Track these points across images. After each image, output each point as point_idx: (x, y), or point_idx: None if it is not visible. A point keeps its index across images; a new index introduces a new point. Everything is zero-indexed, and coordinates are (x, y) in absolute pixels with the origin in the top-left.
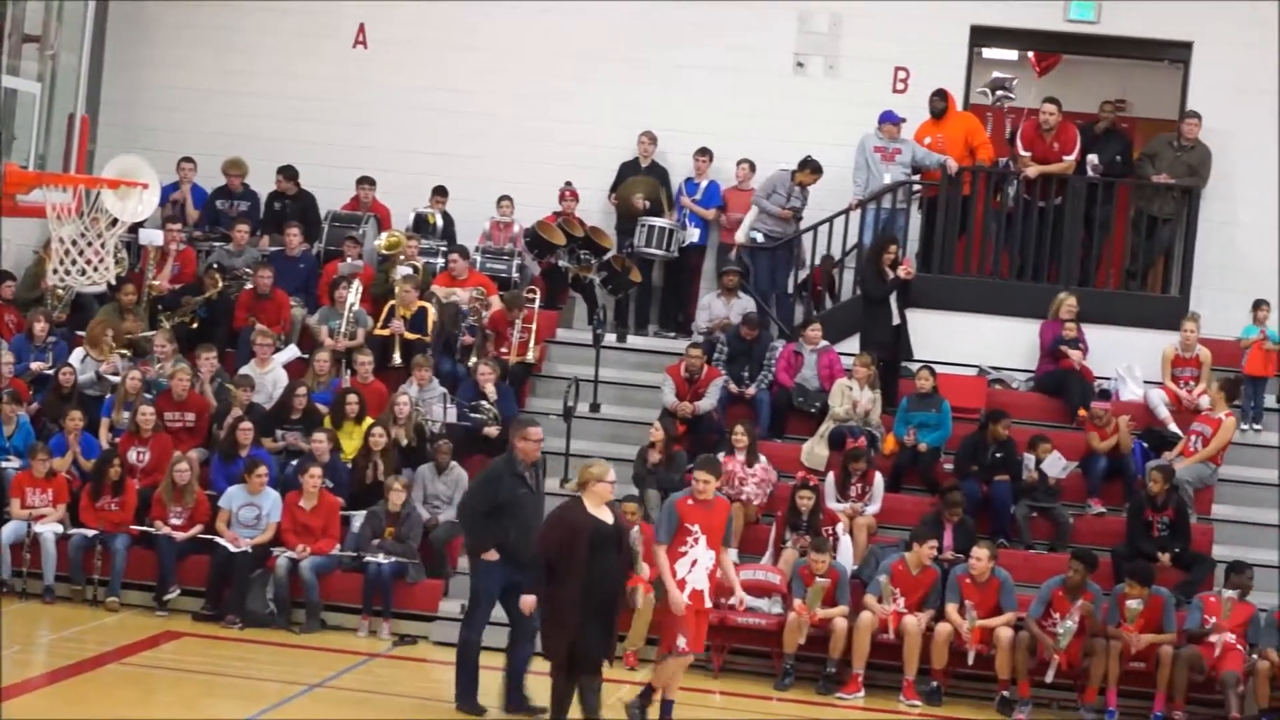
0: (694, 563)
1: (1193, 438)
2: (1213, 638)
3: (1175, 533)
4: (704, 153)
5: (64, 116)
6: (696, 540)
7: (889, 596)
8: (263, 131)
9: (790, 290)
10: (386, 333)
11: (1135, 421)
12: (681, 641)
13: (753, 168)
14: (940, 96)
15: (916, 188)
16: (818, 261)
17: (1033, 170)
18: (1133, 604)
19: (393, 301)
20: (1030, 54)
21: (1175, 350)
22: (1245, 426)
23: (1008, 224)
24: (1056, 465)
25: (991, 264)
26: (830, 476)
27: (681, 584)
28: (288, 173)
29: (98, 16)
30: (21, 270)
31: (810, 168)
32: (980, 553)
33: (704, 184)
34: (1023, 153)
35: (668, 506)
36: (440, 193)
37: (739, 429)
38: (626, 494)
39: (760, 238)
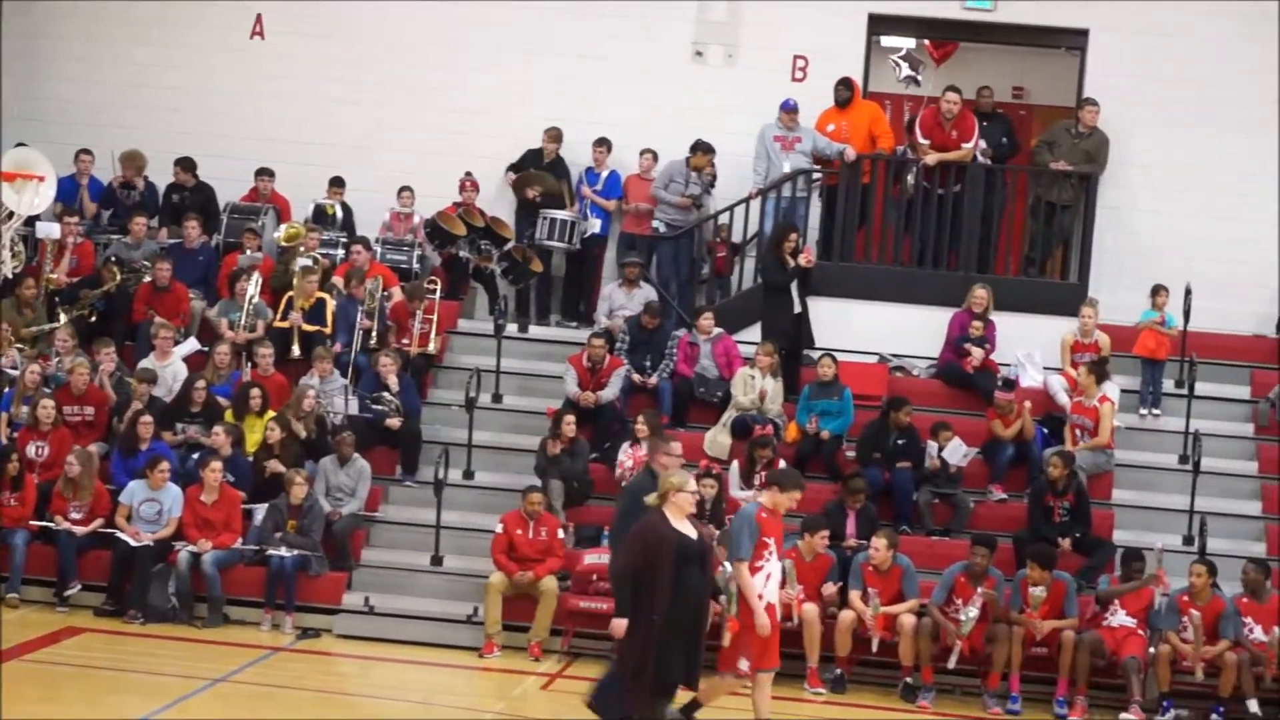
0: (768, 576)
1: (1077, 430)
2: (1112, 621)
3: (1076, 518)
4: (602, 143)
5: None
6: (772, 554)
7: (792, 582)
8: (160, 123)
9: (696, 279)
10: (286, 325)
11: (1035, 407)
12: (744, 664)
13: (655, 157)
14: (845, 85)
15: (817, 176)
16: (716, 239)
17: (932, 158)
18: (1036, 591)
19: (290, 293)
20: (926, 42)
21: (1074, 336)
22: (1144, 411)
23: (908, 212)
24: (958, 452)
25: (892, 252)
26: (735, 465)
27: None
28: (185, 164)
29: None
30: None
31: (701, 149)
32: (879, 542)
33: (604, 174)
34: (922, 141)
35: (748, 519)
36: (337, 184)
37: (640, 419)
38: (529, 484)
39: (663, 227)
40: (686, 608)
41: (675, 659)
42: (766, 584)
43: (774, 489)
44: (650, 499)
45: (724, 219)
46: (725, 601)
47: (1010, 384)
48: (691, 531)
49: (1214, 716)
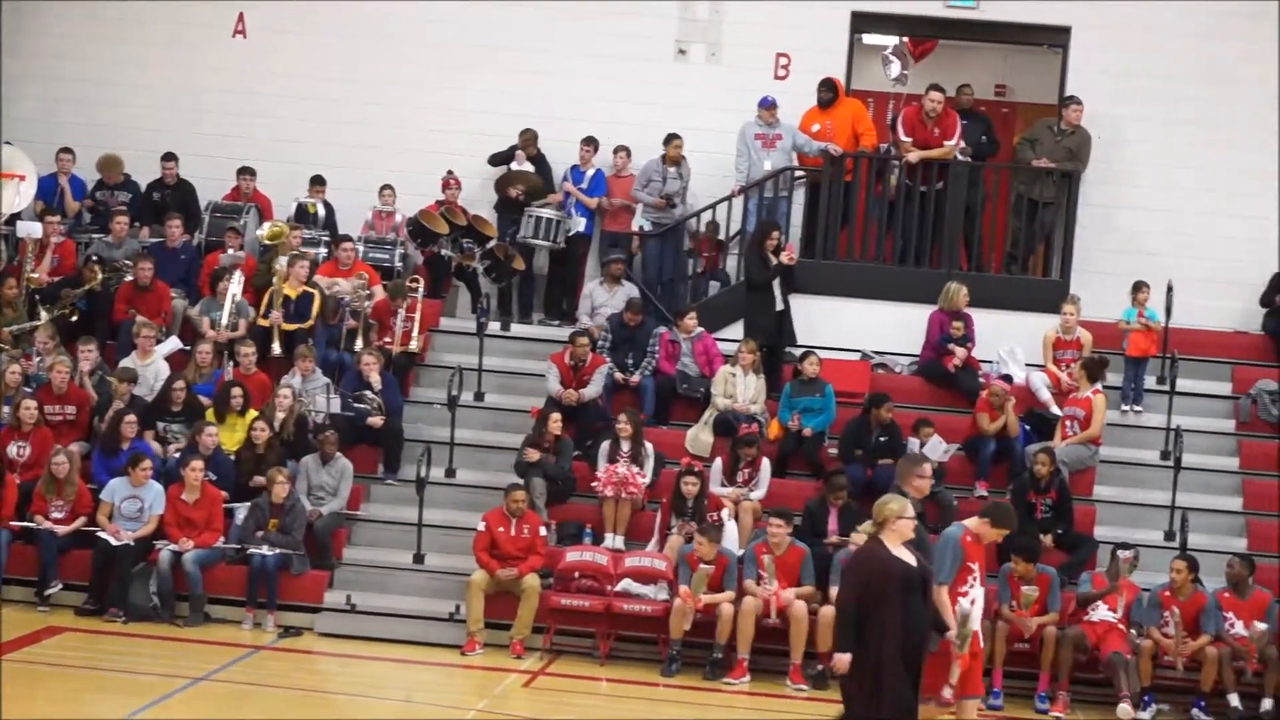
0: (973, 602)
1: (1068, 422)
2: (1094, 616)
3: (1058, 514)
4: (590, 142)
5: None
6: (975, 580)
7: (771, 578)
8: (142, 122)
9: (682, 275)
10: (267, 323)
11: (1017, 404)
12: (947, 691)
13: (629, 154)
14: (828, 87)
15: (800, 174)
16: (701, 233)
17: (914, 156)
18: (1029, 590)
19: (272, 290)
20: (905, 39)
21: (1056, 333)
22: (1126, 408)
23: (890, 209)
24: (938, 448)
25: (875, 249)
26: (718, 462)
27: None
28: (171, 158)
29: None
30: None
31: (669, 141)
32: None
33: (590, 173)
34: (904, 138)
35: (952, 543)
36: (318, 182)
37: (623, 417)
38: (511, 482)
39: (647, 226)
40: (912, 638)
41: (905, 691)
42: (972, 610)
43: (985, 521)
44: (865, 527)
45: (713, 216)
46: (956, 636)
47: (1009, 378)
48: (912, 559)
49: (1195, 711)
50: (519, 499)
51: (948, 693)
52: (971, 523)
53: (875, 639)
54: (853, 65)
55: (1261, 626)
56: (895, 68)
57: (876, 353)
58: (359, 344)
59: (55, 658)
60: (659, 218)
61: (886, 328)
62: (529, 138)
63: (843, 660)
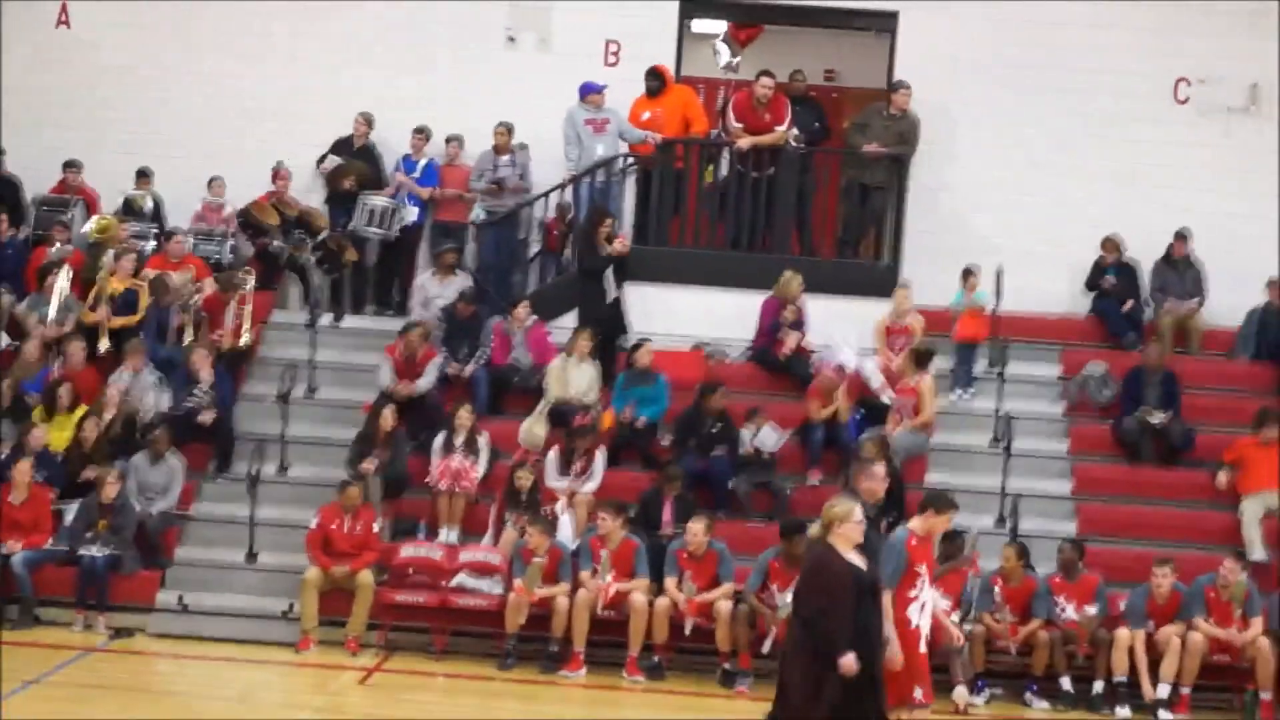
0: (923, 607)
1: (899, 412)
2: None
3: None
4: (421, 131)
5: None
6: (924, 583)
7: (605, 572)
8: None
9: (521, 261)
10: (96, 318)
11: (850, 391)
12: (918, 692)
13: (461, 144)
14: (654, 75)
15: (631, 161)
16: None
17: (745, 142)
18: None
19: (99, 285)
20: (729, 26)
21: (889, 319)
22: (958, 393)
23: (722, 196)
24: (770, 438)
25: (707, 236)
26: (552, 454)
27: (916, 632)
28: None
29: None
30: None
31: (497, 130)
32: (695, 526)
33: (422, 162)
34: (736, 124)
35: (897, 546)
36: (144, 175)
37: (464, 410)
38: (344, 479)
39: (482, 215)
40: (867, 643)
41: (867, 699)
42: (921, 614)
43: (928, 512)
44: (813, 530)
45: (552, 209)
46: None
47: (843, 368)
48: (862, 563)
49: (1028, 694)
50: (354, 495)
51: (919, 693)
52: (915, 523)
53: (827, 645)
54: (683, 52)
55: (1092, 610)
56: (724, 55)
57: (710, 341)
58: (188, 339)
59: None
60: (493, 206)
61: (720, 315)
62: (366, 119)
63: (849, 660)
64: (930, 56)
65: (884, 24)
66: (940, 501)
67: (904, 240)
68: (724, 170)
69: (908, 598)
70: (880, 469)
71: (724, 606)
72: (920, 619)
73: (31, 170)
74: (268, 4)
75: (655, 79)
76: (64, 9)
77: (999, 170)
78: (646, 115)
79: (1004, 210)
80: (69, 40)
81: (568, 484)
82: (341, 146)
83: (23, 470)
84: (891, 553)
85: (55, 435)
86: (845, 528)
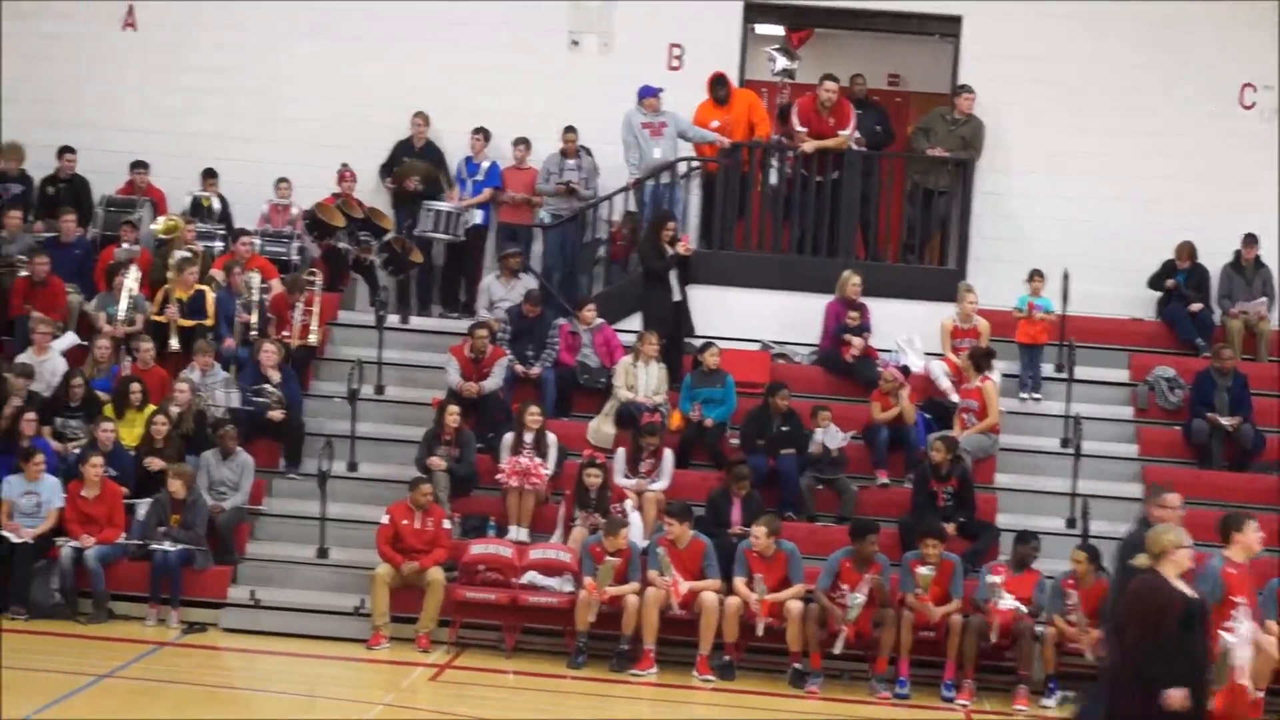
0: (1239, 637)
1: (964, 413)
2: (997, 601)
3: (960, 502)
4: (481, 132)
5: None
6: (1242, 615)
7: (667, 570)
8: (35, 115)
9: (590, 263)
10: (164, 319)
11: (916, 393)
12: None
13: (528, 146)
14: (721, 84)
15: (695, 165)
16: (618, 224)
17: (809, 146)
18: (924, 570)
19: (167, 286)
20: (786, 32)
21: (954, 321)
22: (1025, 396)
23: (786, 200)
24: (836, 436)
25: (771, 239)
26: (621, 453)
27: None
28: (69, 151)
29: None
30: None
31: (564, 134)
32: (759, 530)
33: (485, 164)
34: (799, 129)
35: (1212, 575)
36: (210, 175)
37: (533, 409)
38: (415, 476)
39: (547, 218)
40: (1195, 676)
41: None
42: (1235, 644)
43: (1234, 532)
44: (1140, 560)
45: (618, 212)
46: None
47: (908, 370)
48: (1192, 591)
49: None
50: (425, 492)
51: None
52: (1231, 551)
53: (1158, 676)
54: (746, 56)
55: None
56: (780, 62)
57: (776, 343)
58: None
59: None
60: (558, 208)
61: (785, 318)
62: (422, 119)
63: (1178, 695)
64: (994, 60)
65: (948, 28)
66: (1239, 519)
67: (969, 244)
68: (774, 178)
69: (1224, 627)
70: (1175, 498)
71: (795, 606)
72: (1238, 652)
73: (100, 171)
74: (332, 6)
75: (722, 87)
76: (130, 10)
77: (1063, 174)
78: (715, 124)
79: (1069, 214)
80: (135, 42)
81: (636, 482)
82: (402, 149)
83: (94, 466)
84: (1206, 581)
85: (126, 432)
86: (1176, 555)
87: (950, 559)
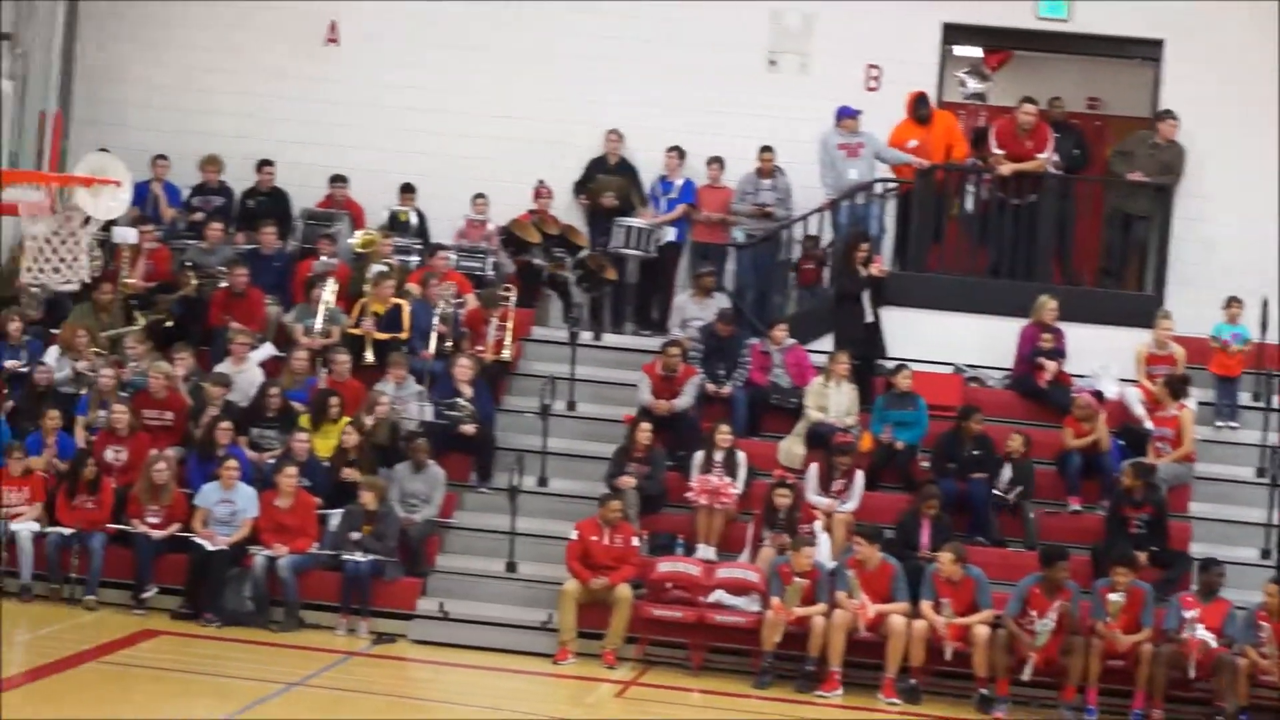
0: None
1: (1158, 441)
2: (1192, 634)
3: (1153, 531)
4: (676, 150)
5: (36, 114)
6: None
7: (856, 592)
8: (235, 129)
9: (781, 285)
10: (359, 331)
11: (1110, 419)
12: None
13: (723, 165)
14: (923, 103)
15: (891, 186)
16: (800, 251)
17: (1006, 168)
18: (1114, 597)
19: (364, 299)
20: (981, 54)
21: (1149, 348)
22: (1221, 424)
23: (982, 222)
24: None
25: (966, 262)
26: (813, 470)
27: None
28: (268, 163)
29: (69, 14)
30: None
31: (761, 154)
32: (945, 556)
33: (679, 182)
34: (996, 151)
35: None
36: (408, 190)
37: (724, 427)
38: (605, 493)
39: (742, 237)
40: None
41: None
42: None
43: None
44: None
45: (813, 232)
46: None
47: (1101, 395)
48: None
49: None
50: (615, 509)
51: None
52: None
53: None
54: (944, 77)
55: None
56: (971, 85)
57: (969, 366)
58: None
59: (150, 660)
60: (752, 229)
61: (978, 341)
62: (615, 135)
63: None
64: (1195, 83)
65: (1149, 51)
66: None
67: (1167, 270)
68: (970, 202)
69: None
70: None
71: (982, 631)
72: None
73: (299, 184)
74: (536, 24)
75: (924, 106)
76: (333, 27)
77: (1264, 200)
78: (914, 143)
79: (1269, 241)
80: (338, 56)
81: (828, 503)
82: (596, 166)
83: (289, 476)
84: None
85: (320, 443)
86: None
87: (1141, 587)
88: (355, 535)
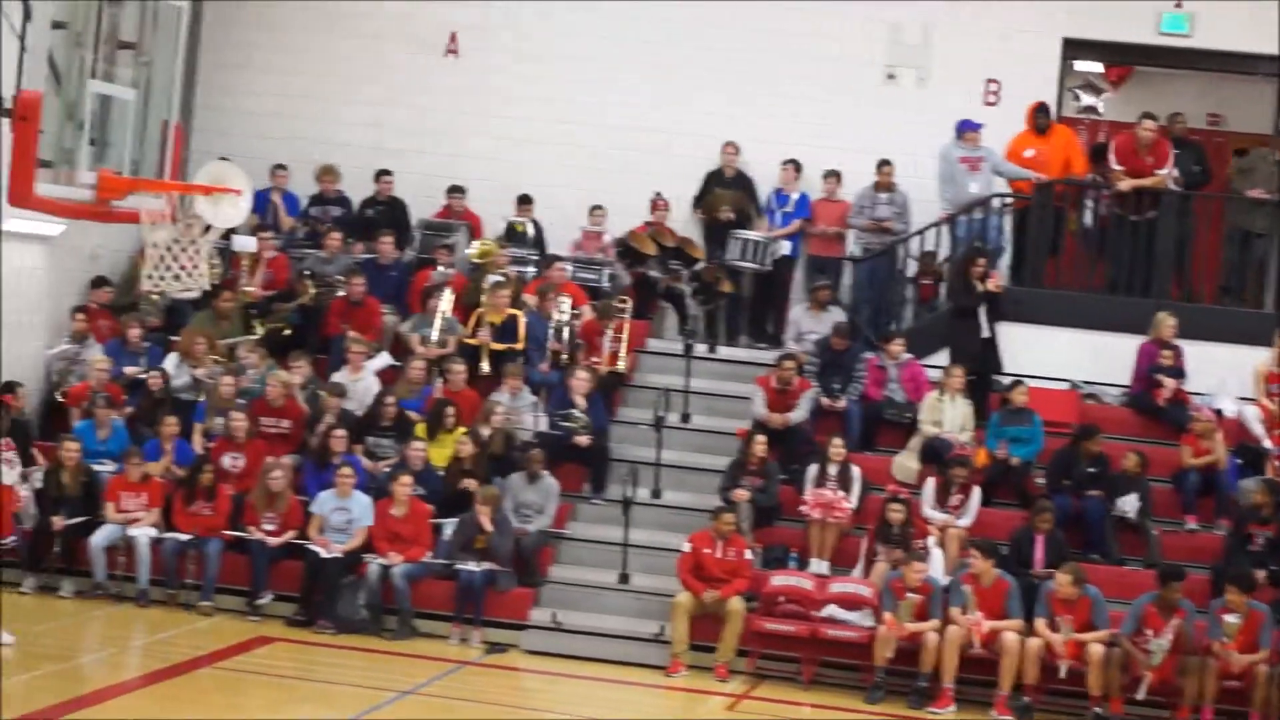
0: None
1: (1278, 461)
2: None
3: (1275, 549)
4: (792, 164)
5: (158, 123)
6: None
7: (971, 608)
8: (354, 139)
9: (897, 300)
10: (476, 341)
11: (1229, 437)
12: None
13: (839, 179)
14: (1044, 112)
15: (1009, 201)
16: (917, 266)
17: (1126, 184)
18: (1230, 619)
19: (480, 310)
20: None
21: (1269, 366)
22: None
23: (1100, 238)
24: (1133, 504)
25: (1084, 278)
26: (930, 484)
27: None
28: (386, 173)
29: (192, 23)
30: (117, 276)
31: (880, 167)
32: (1062, 578)
33: (795, 195)
34: (1115, 167)
35: None
36: (526, 201)
37: (837, 441)
38: (718, 505)
39: (859, 251)
40: None
41: None
42: None
43: None
44: None
45: (930, 246)
46: None
47: (1220, 413)
48: None
49: None
50: (729, 521)
51: None
52: None
53: None
54: (1063, 92)
55: None
56: (1086, 99)
57: (1086, 383)
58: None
59: (265, 667)
60: (869, 242)
61: (1096, 358)
62: (733, 148)
63: None
64: None
65: (1271, 68)
66: None
67: None
68: (1088, 219)
69: None
70: None
71: (1097, 650)
72: None
73: (417, 194)
74: (651, 35)
75: (1045, 115)
76: (453, 38)
77: None
78: (1030, 152)
79: None
80: (457, 67)
81: (944, 518)
82: (713, 179)
83: (404, 485)
84: None
85: (436, 453)
86: None
87: (1259, 609)
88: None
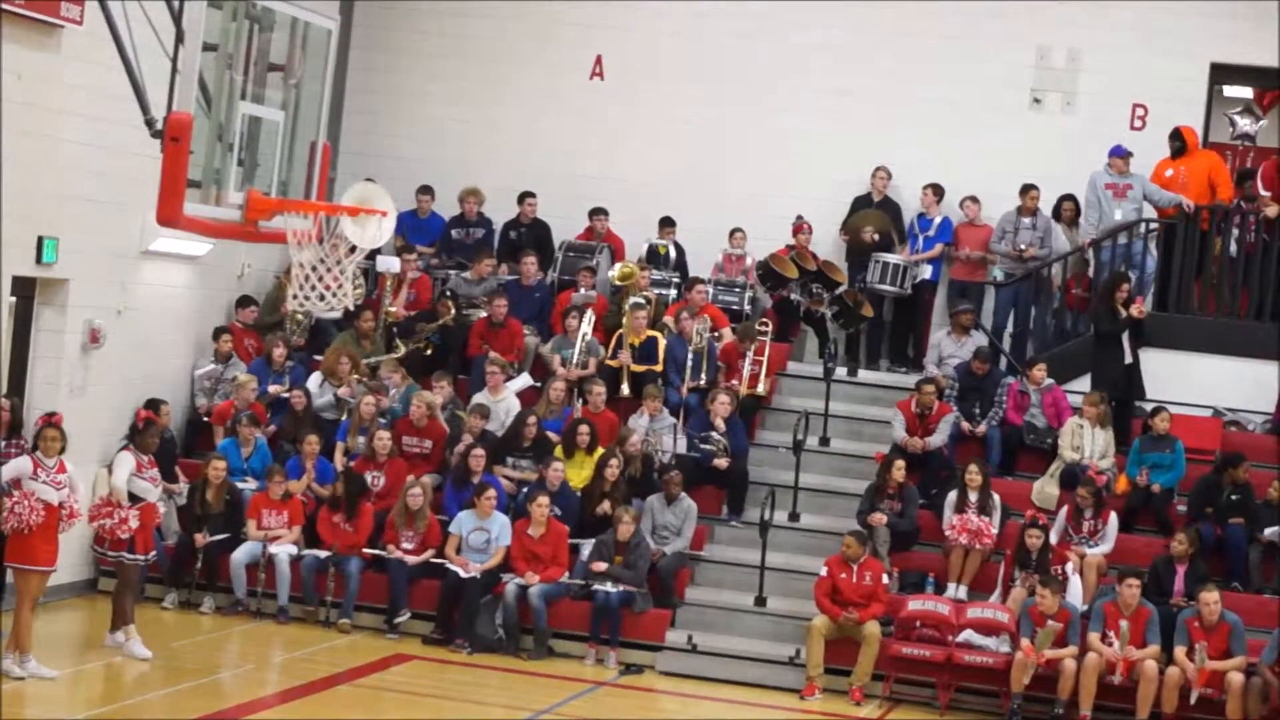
0: None
1: None
2: None
3: None
4: (933, 188)
5: (306, 144)
6: None
7: (1123, 644)
8: (498, 161)
9: (1043, 320)
10: (616, 363)
11: None
12: None
13: (979, 204)
14: (1177, 136)
15: (1154, 226)
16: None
17: (1273, 210)
18: None
19: (621, 331)
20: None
21: None
22: None
23: (1246, 264)
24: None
25: (1229, 304)
26: (1064, 512)
27: None
28: (530, 195)
29: (340, 46)
30: (263, 295)
31: (1026, 192)
32: (1210, 596)
33: (937, 220)
34: (1263, 192)
35: None
36: (668, 224)
37: (973, 468)
38: (852, 529)
39: (1000, 275)
40: None
41: None
42: None
43: None
44: None
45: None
46: None
47: None
48: None
49: None
50: (850, 545)
51: None
52: None
53: None
54: (1211, 117)
55: None
56: (1241, 125)
57: (1229, 410)
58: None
59: (402, 685)
60: (1011, 267)
61: (1239, 384)
62: (884, 173)
63: None
64: None
65: None
66: None
67: None
68: (1233, 247)
69: None
70: None
71: (1235, 678)
72: None
73: (560, 216)
74: (797, 61)
75: (1177, 139)
76: (598, 61)
77: None
78: (1169, 173)
79: None
80: (601, 91)
81: (1079, 545)
82: (861, 204)
83: (541, 505)
84: None
85: (574, 473)
86: None
87: None
88: (603, 565)
